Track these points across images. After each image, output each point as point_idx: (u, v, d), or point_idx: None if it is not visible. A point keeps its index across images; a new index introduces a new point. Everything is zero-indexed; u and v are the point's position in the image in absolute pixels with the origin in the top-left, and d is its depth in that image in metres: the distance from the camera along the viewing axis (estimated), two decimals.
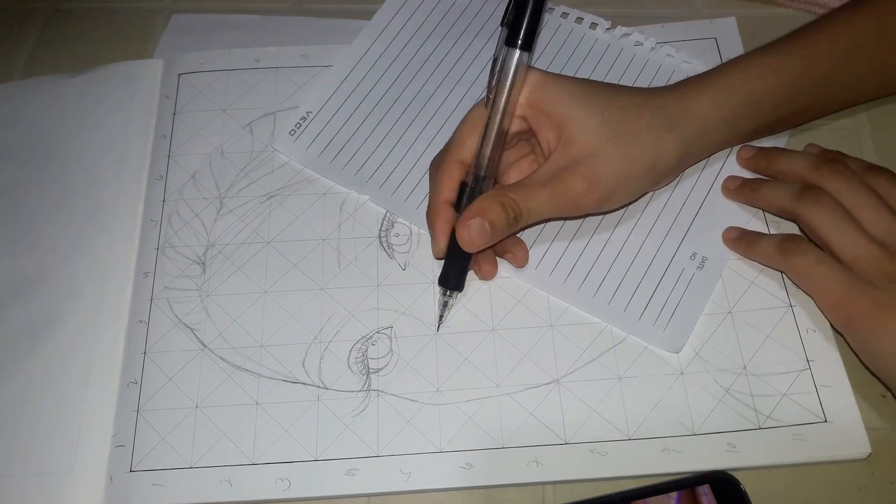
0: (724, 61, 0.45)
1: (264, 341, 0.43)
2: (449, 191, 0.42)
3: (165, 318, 0.44)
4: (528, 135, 0.43)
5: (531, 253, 0.45)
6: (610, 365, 0.42)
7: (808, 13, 0.54)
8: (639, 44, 0.52)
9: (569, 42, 0.53)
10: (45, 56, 0.56)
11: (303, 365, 0.43)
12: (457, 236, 0.40)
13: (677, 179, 0.47)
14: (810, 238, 0.42)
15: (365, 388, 0.42)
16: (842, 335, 0.40)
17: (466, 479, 0.39)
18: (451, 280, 0.42)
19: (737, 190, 0.46)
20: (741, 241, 0.44)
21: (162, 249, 0.47)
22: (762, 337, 0.42)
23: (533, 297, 0.44)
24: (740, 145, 0.47)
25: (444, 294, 0.43)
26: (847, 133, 0.49)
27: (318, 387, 0.42)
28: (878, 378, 0.40)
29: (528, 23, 0.38)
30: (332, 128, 0.50)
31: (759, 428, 0.40)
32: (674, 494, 0.37)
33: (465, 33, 0.54)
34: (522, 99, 0.40)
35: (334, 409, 0.41)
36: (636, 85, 0.51)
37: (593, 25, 0.53)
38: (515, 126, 0.42)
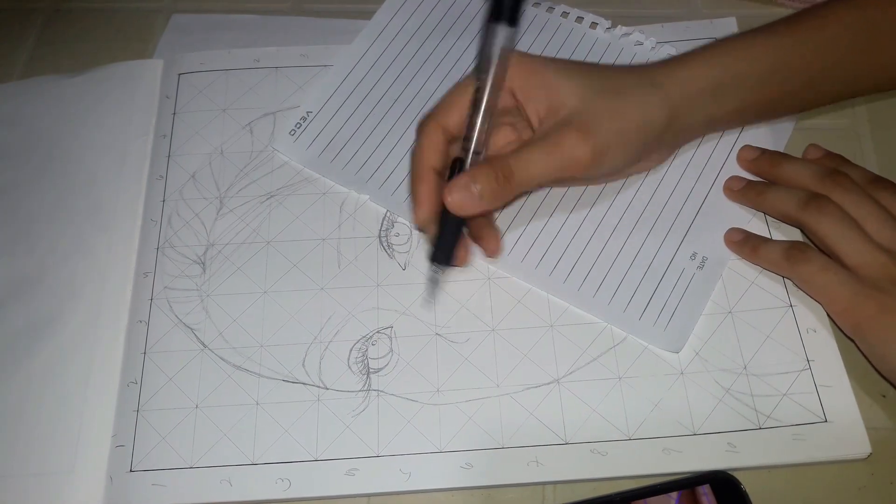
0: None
1: (264, 341, 0.43)
2: (432, 154, 0.40)
3: (165, 318, 0.44)
4: (512, 114, 0.42)
5: (531, 253, 0.45)
6: (610, 365, 0.42)
7: None
8: (639, 43, 0.52)
9: (569, 41, 0.53)
10: (44, 56, 0.56)
11: (303, 365, 0.43)
12: (444, 199, 0.39)
13: (671, 161, 0.47)
14: (816, 245, 0.42)
15: (365, 388, 0.42)
16: (852, 340, 0.40)
17: (466, 479, 0.39)
18: (442, 253, 0.41)
19: (740, 192, 0.46)
20: (745, 245, 0.44)
21: (162, 249, 0.47)
22: (762, 337, 0.42)
23: (533, 297, 0.44)
24: (742, 146, 0.47)
25: (434, 270, 0.42)
26: (847, 133, 0.49)
27: (319, 387, 0.42)
28: (889, 382, 0.40)
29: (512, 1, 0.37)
30: (332, 128, 0.50)
31: (760, 428, 0.40)
32: (674, 494, 0.37)
33: (465, 33, 0.54)
34: (511, 72, 0.40)
35: (334, 409, 0.41)
36: None
37: (593, 25, 0.53)
38: (501, 101, 0.41)
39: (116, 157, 0.50)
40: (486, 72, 0.39)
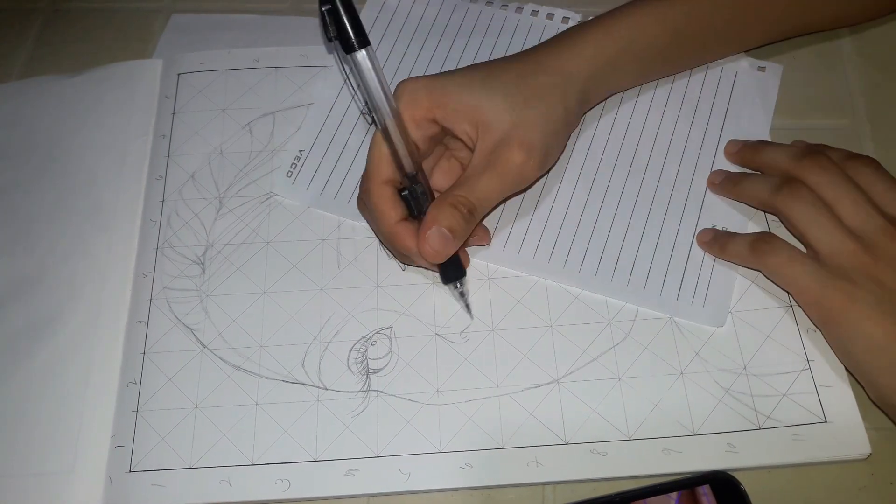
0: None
1: (264, 342, 0.43)
2: (393, 212, 0.41)
3: (165, 318, 0.44)
4: (439, 138, 0.43)
5: (557, 254, 0.45)
6: (610, 365, 0.42)
7: None
8: None
9: (544, 38, 0.53)
10: (44, 56, 0.56)
11: (302, 365, 0.43)
12: (420, 253, 0.40)
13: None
14: (791, 231, 0.42)
15: (365, 388, 0.42)
16: (820, 330, 0.41)
17: (466, 479, 0.39)
18: (451, 272, 0.42)
19: (720, 185, 0.46)
20: (714, 244, 0.44)
21: (161, 249, 0.47)
22: (762, 337, 0.42)
23: (533, 297, 0.44)
24: (728, 140, 0.48)
25: (456, 286, 0.43)
26: (847, 133, 0.49)
27: (318, 387, 0.42)
28: (852, 375, 0.40)
29: (350, 22, 0.37)
30: (327, 163, 0.49)
31: (759, 428, 0.40)
32: (674, 495, 0.37)
33: (439, 48, 0.53)
34: (425, 102, 0.41)
35: (334, 410, 0.41)
36: None
37: (565, 20, 0.54)
38: (426, 130, 0.42)
39: (116, 158, 0.50)
40: (374, 102, 0.39)
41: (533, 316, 0.43)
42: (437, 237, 0.39)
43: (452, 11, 0.55)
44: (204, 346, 0.43)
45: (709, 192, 0.47)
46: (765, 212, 0.45)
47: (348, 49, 0.37)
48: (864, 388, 0.39)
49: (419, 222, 0.41)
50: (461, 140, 0.42)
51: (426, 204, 0.41)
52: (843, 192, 0.40)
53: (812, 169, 0.41)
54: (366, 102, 0.39)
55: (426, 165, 0.44)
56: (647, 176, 0.47)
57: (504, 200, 0.46)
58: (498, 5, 0.55)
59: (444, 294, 0.44)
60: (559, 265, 0.45)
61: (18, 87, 0.54)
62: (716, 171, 0.47)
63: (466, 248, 0.45)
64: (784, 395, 0.40)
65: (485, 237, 0.45)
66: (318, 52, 0.54)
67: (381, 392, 0.42)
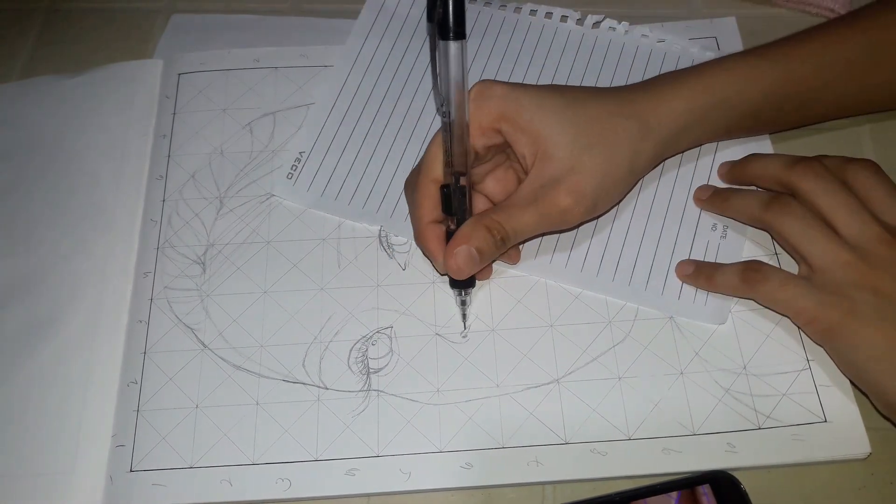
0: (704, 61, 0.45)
1: (264, 341, 0.43)
2: (430, 210, 0.41)
3: (165, 317, 0.44)
4: (503, 147, 0.42)
5: (557, 253, 0.45)
6: (610, 365, 0.42)
7: (805, 13, 0.54)
8: (612, 28, 0.53)
9: (543, 39, 0.53)
10: (44, 56, 0.56)
11: (303, 365, 0.43)
12: (445, 266, 0.40)
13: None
14: (783, 247, 0.42)
15: (365, 388, 0.42)
16: (822, 346, 0.40)
17: (466, 479, 0.39)
18: (459, 281, 0.42)
19: (708, 200, 0.45)
20: (699, 276, 0.43)
21: (162, 249, 0.47)
22: (762, 337, 0.42)
23: (533, 296, 0.44)
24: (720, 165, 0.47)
25: (460, 294, 0.43)
26: (847, 134, 0.49)
27: (319, 387, 0.42)
28: (856, 387, 0.40)
29: (454, 10, 0.36)
30: (328, 164, 0.49)
31: (759, 428, 0.40)
32: (674, 494, 0.37)
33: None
34: (495, 112, 0.40)
35: (334, 409, 0.41)
36: (612, 69, 0.52)
37: (564, 18, 0.54)
38: (490, 140, 0.41)
39: (116, 158, 0.50)
40: (448, 95, 0.38)
41: (533, 316, 0.44)
42: (464, 256, 0.39)
43: None
44: (204, 345, 0.43)
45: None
46: (756, 228, 0.44)
47: (444, 35, 0.36)
48: (871, 400, 0.39)
49: (451, 223, 0.41)
50: (518, 159, 0.42)
51: (462, 211, 0.41)
52: (838, 201, 0.39)
53: (805, 176, 0.41)
54: (440, 92, 0.38)
55: (483, 169, 0.43)
56: (646, 178, 0.47)
57: (541, 235, 0.45)
58: (496, 5, 0.55)
59: (444, 294, 0.44)
60: (561, 266, 0.45)
61: (18, 87, 0.54)
62: (701, 187, 0.46)
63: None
64: (784, 394, 0.40)
65: (515, 257, 0.45)
66: (319, 52, 0.54)
67: (381, 392, 0.42)
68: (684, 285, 0.44)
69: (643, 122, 0.41)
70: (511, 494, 0.39)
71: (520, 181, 0.42)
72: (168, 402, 0.42)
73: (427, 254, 0.43)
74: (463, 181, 0.40)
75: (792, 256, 0.42)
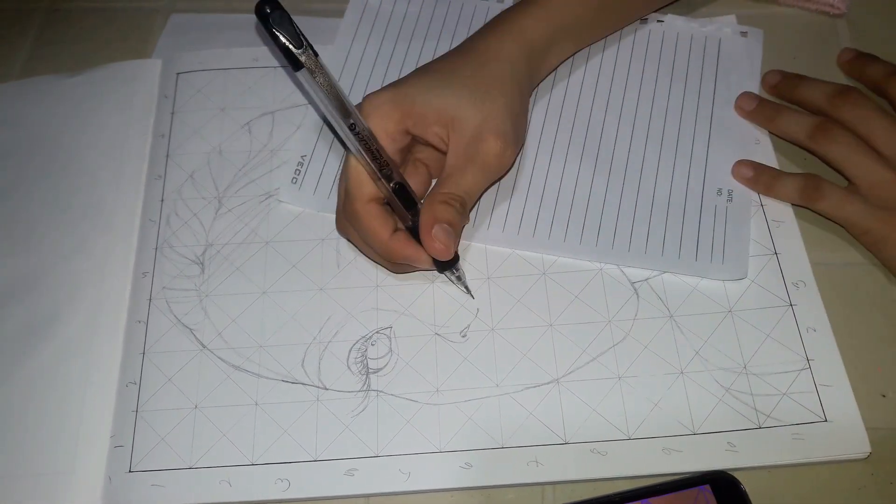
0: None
1: (263, 341, 0.43)
2: (385, 226, 0.42)
3: (164, 318, 0.44)
4: (408, 148, 0.44)
5: (571, 232, 0.45)
6: (610, 364, 0.42)
7: (805, 10, 0.54)
8: None
9: None
10: (43, 56, 0.56)
11: (302, 365, 0.43)
12: (429, 252, 0.41)
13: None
14: (831, 167, 0.45)
15: (364, 388, 0.42)
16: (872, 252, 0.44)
17: (466, 479, 0.39)
18: (443, 263, 0.43)
19: (754, 112, 0.48)
20: (758, 181, 0.46)
21: (160, 249, 0.47)
22: (762, 336, 0.42)
23: (533, 296, 0.44)
24: (767, 71, 0.50)
25: (454, 272, 0.44)
26: None
27: (318, 387, 0.42)
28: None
29: (290, 40, 0.37)
30: (331, 166, 0.49)
31: (759, 427, 0.39)
32: (674, 494, 0.37)
33: (425, 47, 0.53)
34: (395, 115, 0.41)
35: (334, 410, 0.41)
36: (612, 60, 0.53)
37: None
38: (399, 143, 0.43)
39: (115, 157, 0.50)
40: (348, 109, 0.39)
41: (533, 315, 0.43)
42: (442, 233, 0.40)
43: (435, 5, 0.55)
44: (203, 345, 0.43)
45: (711, 155, 0.48)
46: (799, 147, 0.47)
47: (298, 66, 0.37)
48: None
49: (409, 231, 0.42)
50: (431, 144, 0.43)
51: (414, 203, 0.42)
52: (878, 125, 0.44)
53: (846, 105, 0.45)
54: (332, 129, 0.39)
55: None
56: (648, 145, 0.48)
57: (485, 189, 0.46)
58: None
59: (443, 293, 0.44)
60: (575, 242, 0.45)
61: (18, 87, 0.54)
62: (746, 96, 0.49)
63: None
64: (784, 394, 0.40)
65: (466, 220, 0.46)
66: (318, 52, 0.53)
67: (380, 392, 0.42)
68: (699, 248, 0.44)
69: (510, 62, 0.44)
70: (511, 494, 0.39)
71: (431, 170, 0.45)
72: (167, 403, 0.42)
73: (408, 260, 0.43)
74: (396, 177, 0.41)
75: (840, 175, 0.45)
